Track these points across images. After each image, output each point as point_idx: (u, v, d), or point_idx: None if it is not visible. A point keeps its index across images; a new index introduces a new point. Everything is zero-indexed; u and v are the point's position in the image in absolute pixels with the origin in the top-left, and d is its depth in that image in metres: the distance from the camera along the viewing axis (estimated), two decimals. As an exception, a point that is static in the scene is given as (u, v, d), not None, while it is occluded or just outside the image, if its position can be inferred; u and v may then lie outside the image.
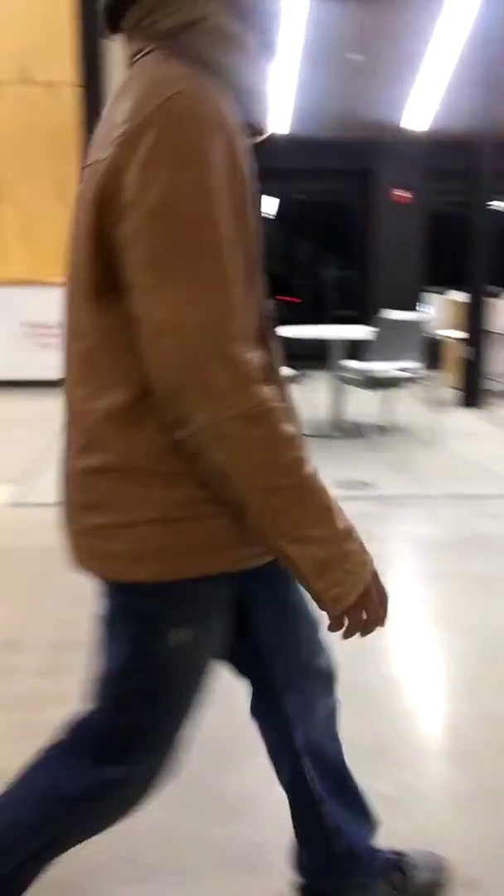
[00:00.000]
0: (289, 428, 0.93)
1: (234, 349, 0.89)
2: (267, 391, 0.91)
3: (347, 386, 5.86)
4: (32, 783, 1.14)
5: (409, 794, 1.83)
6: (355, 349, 5.72)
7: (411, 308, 7.74)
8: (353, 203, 10.42)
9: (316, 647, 1.27)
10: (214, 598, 1.08)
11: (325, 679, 1.30)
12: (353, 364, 5.71)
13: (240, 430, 0.90)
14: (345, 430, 5.87)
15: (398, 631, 2.69)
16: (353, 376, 5.66)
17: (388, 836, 1.45)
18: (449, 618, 2.82)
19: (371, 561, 1.00)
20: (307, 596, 1.04)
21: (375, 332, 5.41)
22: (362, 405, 5.88)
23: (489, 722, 2.15)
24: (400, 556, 3.52)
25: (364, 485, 4.50)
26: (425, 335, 5.73)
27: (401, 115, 9.30)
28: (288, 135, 9.39)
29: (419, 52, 8.29)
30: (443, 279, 9.04)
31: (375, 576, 1.01)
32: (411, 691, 2.34)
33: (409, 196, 9.82)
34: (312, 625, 1.24)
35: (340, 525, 0.96)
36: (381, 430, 5.87)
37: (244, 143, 0.96)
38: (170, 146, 0.89)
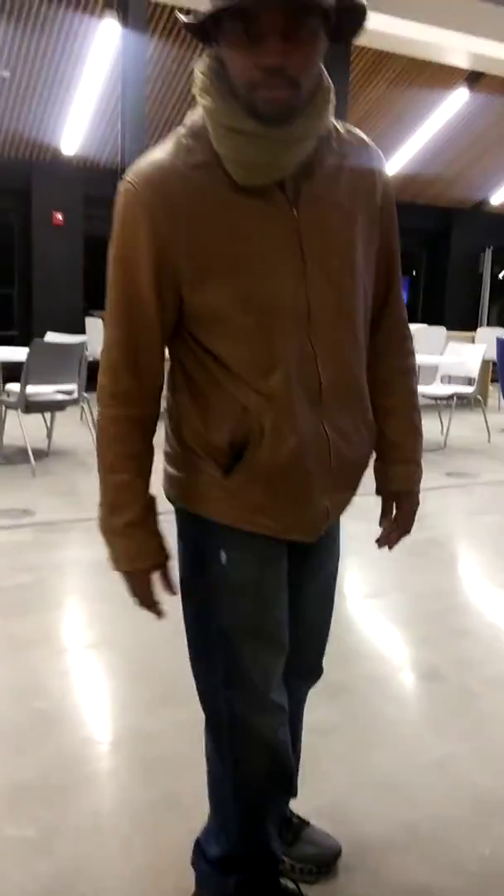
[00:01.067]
0: (104, 444, 1.42)
1: (102, 380, 1.34)
2: (108, 411, 1.37)
3: (7, 410, 5.65)
4: None
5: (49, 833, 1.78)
6: (17, 372, 5.53)
7: (77, 331, 7.69)
8: (13, 222, 10.15)
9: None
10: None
11: None
12: (12, 387, 5.52)
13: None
14: (4, 456, 5.65)
15: (57, 659, 2.63)
16: (12, 399, 5.47)
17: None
18: (106, 640, 2.83)
19: (121, 563, 1.47)
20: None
21: (34, 354, 5.27)
22: (23, 429, 5.70)
23: (141, 739, 2.18)
24: (60, 582, 3.46)
25: (24, 512, 4.35)
26: (85, 358, 5.74)
27: (59, 137, 9.28)
28: None
29: (73, 77, 8.37)
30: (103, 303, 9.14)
31: (131, 574, 1.46)
32: (64, 723, 2.28)
33: (61, 219, 9.82)
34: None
35: (105, 525, 1.48)
36: (42, 454, 5.75)
37: (148, 235, 1.19)
38: (111, 232, 1.23)
